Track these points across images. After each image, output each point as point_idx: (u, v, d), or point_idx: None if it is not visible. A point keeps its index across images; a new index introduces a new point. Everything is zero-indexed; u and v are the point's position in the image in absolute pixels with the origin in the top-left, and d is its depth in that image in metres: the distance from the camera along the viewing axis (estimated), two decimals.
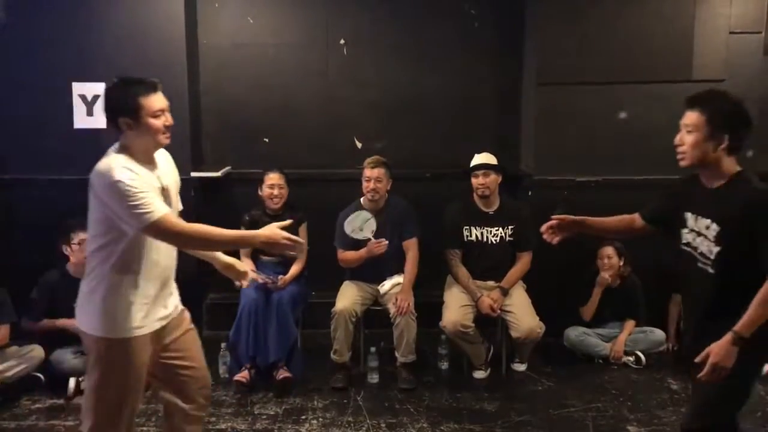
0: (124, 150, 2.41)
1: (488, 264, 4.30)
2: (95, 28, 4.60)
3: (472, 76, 5.04)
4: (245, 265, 2.93)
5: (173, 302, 2.60)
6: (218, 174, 4.74)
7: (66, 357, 4.03)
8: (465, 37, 4.99)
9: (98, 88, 4.63)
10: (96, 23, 4.60)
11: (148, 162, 2.47)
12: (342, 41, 4.96)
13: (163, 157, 2.61)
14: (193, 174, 4.64)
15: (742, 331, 2.22)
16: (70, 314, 4.01)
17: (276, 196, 4.37)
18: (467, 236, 4.31)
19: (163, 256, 2.49)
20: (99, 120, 4.66)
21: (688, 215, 2.45)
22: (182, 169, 4.55)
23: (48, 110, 4.64)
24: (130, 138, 2.43)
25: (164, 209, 2.31)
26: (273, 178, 4.40)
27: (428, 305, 4.27)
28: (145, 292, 2.43)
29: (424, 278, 4.34)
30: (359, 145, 5.02)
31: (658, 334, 4.49)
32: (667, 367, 4.39)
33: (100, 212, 2.36)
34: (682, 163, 2.40)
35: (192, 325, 2.71)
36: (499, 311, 4.13)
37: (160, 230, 2.30)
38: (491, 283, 4.26)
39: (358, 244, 4.19)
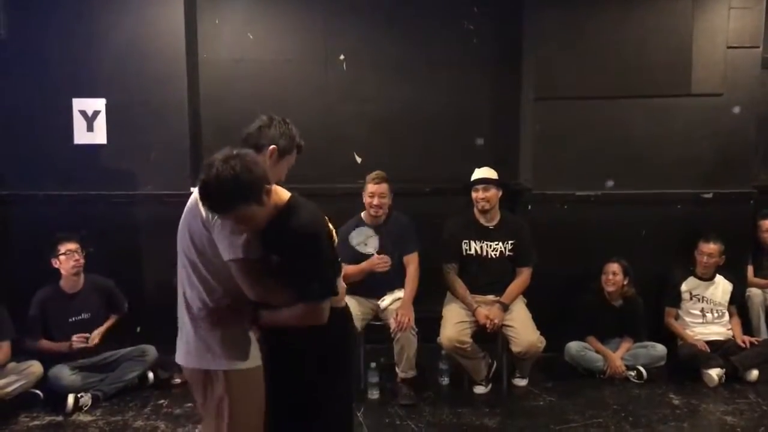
0: None
1: (488, 278, 4.29)
2: (95, 44, 4.63)
3: (470, 91, 5.06)
4: None
5: None
6: None
7: (64, 373, 4.02)
8: (464, 52, 5.02)
9: (98, 104, 4.66)
10: (96, 39, 4.63)
11: None
12: (341, 57, 4.98)
13: None
14: (193, 189, 4.63)
15: (258, 317, 2.30)
16: (63, 330, 4.10)
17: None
18: (466, 250, 4.30)
19: None
20: (99, 136, 4.69)
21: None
22: (182, 184, 4.66)
23: (48, 126, 4.66)
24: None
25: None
26: None
27: (429, 320, 4.25)
28: None
29: (425, 293, 4.32)
30: (359, 160, 5.03)
31: (659, 349, 4.47)
32: (668, 381, 4.37)
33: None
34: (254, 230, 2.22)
35: None
36: (499, 327, 4.11)
37: (246, 269, 2.20)
38: (491, 297, 4.25)
39: (358, 259, 4.17)
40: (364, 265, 4.11)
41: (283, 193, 2.31)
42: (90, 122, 4.67)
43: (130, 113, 4.67)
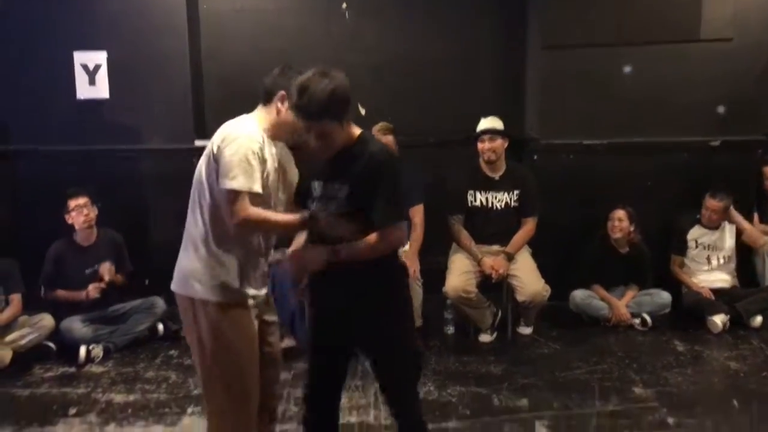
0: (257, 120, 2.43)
1: (493, 229, 4.29)
2: None
3: (476, 39, 4.97)
4: None
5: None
6: None
7: (75, 326, 4.08)
8: (468, 0, 4.91)
9: (100, 57, 4.61)
10: None
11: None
12: (344, 5, 4.89)
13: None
14: (197, 143, 4.62)
15: (337, 250, 2.24)
16: (77, 281, 4.15)
17: None
18: (471, 201, 4.29)
19: None
20: (101, 90, 4.66)
21: (316, 184, 2.38)
22: (185, 137, 4.65)
23: (50, 81, 4.63)
24: (271, 114, 2.43)
25: (249, 185, 2.23)
26: None
27: (434, 271, 4.27)
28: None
29: (430, 244, 4.33)
30: (363, 111, 4.97)
31: (664, 296, 4.49)
32: (673, 328, 4.41)
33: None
34: (324, 157, 2.29)
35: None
36: (504, 276, 4.14)
37: (239, 199, 2.23)
38: (496, 247, 4.26)
39: None
40: None
41: (354, 128, 2.35)
42: (92, 76, 4.63)
43: (132, 66, 4.64)
